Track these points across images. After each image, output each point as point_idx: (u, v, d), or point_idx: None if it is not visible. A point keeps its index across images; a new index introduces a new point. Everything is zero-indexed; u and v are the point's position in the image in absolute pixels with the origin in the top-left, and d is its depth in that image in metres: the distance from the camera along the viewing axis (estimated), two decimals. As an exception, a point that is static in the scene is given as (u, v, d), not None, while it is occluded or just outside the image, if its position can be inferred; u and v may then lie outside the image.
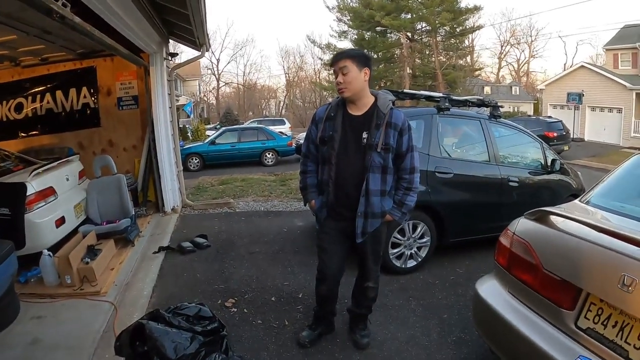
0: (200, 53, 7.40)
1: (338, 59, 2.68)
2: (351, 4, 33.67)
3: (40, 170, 4.62)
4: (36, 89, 7.60)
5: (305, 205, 3.08)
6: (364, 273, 2.98)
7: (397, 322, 3.29)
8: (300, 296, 3.75)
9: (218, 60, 54.36)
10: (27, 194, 4.28)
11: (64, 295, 4.00)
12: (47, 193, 4.61)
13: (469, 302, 2.80)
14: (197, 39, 6.41)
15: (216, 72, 52.09)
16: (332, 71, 2.78)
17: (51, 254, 4.18)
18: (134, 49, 5.81)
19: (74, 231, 4.96)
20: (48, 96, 7.55)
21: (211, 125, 32.98)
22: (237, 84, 52.80)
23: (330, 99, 32.67)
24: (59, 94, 7.52)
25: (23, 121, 7.70)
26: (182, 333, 2.64)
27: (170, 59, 7.12)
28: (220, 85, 53.19)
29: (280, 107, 53.27)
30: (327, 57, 36.26)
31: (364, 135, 2.67)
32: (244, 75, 54.01)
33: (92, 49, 6.81)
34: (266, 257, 3.90)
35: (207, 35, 6.47)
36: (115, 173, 5.62)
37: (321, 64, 43.11)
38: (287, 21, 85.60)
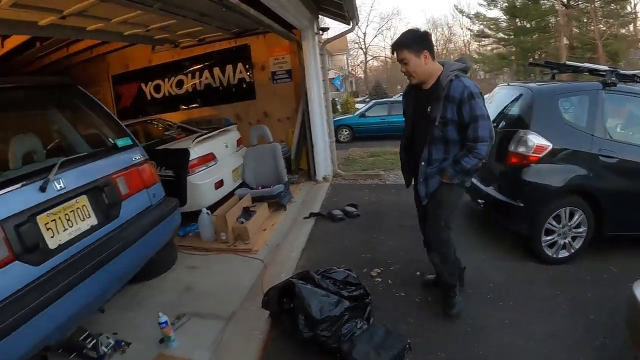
0: (350, 27, 7.44)
1: (394, 51, 2.75)
2: (501, -32, 30.79)
3: (202, 138, 5.12)
4: (195, 67, 8.40)
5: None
6: (431, 237, 3.07)
7: (541, 315, 3.02)
8: (446, 273, 3.65)
9: (364, 34, 53.88)
10: (190, 158, 4.80)
11: (218, 250, 4.46)
12: (208, 158, 5.10)
13: (621, 305, 2.46)
14: (347, 12, 6.44)
15: (363, 46, 52.07)
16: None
17: (209, 213, 4.68)
18: (286, 26, 6.04)
19: (231, 193, 5.45)
20: (206, 73, 8.31)
21: (360, 99, 32.84)
22: (385, 57, 52.04)
23: (481, 73, 29.51)
24: (216, 70, 8.23)
25: (184, 95, 8.63)
26: (329, 295, 2.74)
27: (321, 33, 7.27)
28: (367, 59, 53.24)
29: None
30: (477, 27, 33.97)
31: (429, 109, 2.74)
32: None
33: (246, 28, 7.21)
34: (414, 232, 3.80)
35: (356, 8, 6.48)
36: (271, 142, 5.96)
37: (470, 35, 40.50)
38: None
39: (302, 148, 7.39)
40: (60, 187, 2.54)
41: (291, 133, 7.59)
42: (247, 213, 4.82)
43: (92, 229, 2.72)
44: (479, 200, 4.19)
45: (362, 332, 2.61)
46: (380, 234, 4.69)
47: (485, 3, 32.69)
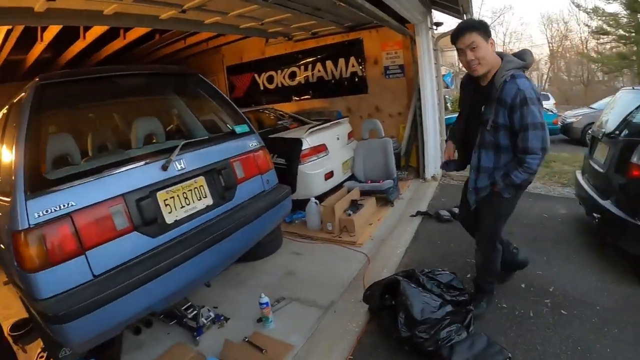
0: None
1: (462, 34, 2.42)
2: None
3: (314, 128, 5.24)
4: (307, 60, 8.58)
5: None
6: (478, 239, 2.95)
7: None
8: (551, 290, 3.35)
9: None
10: (302, 148, 4.93)
11: (322, 239, 4.53)
12: (320, 149, 5.21)
13: None
14: (461, 6, 6.15)
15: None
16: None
17: (317, 202, 4.80)
18: (399, 20, 5.93)
19: (340, 185, 5.50)
20: (319, 65, 8.46)
21: None
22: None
23: (599, 74, 26.57)
24: (328, 63, 8.34)
25: (296, 87, 8.88)
26: (432, 297, 2.69)
27: (434, 28, 7.01)
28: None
29: (543, 81, 48.07)
30: (595, 23, 30.65)
31: (482, 109, 2.52)
32: (503, 44, 49.89)
33: (359, 22, 7.15)
34: (523, 241, 3.58)
35: (471, 2, 6.20)
36: (382, 137, 5.92)
37: (589, 32, 36.55)
38: (549, -16, 74.71)
39: (413, 145, 7.24)
40: (181, 167, 2.75)
41: (402, 129, 7.48)
42: (354, 206, 4.85)
43: (208, 209, 2.91)
44: (594, 215, 3.79)
45: (462, 340, 2.51)
46: (487, 239, 4.45)
47: (603, -4, 29.16)
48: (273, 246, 4.31)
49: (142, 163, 2.55)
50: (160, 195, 2.61)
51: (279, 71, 9.00)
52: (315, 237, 4.60)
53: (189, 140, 2.96)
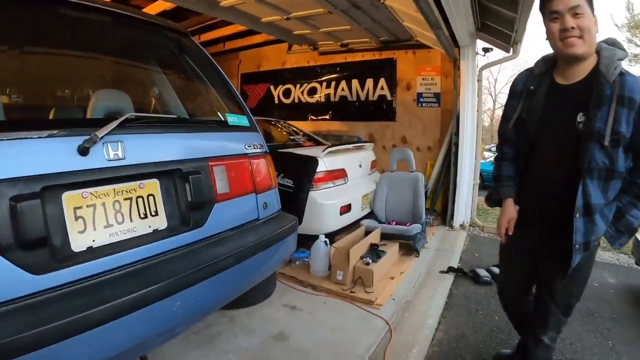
0: (512, 53, 6.12)
1: None
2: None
3: (334, 149, 4.32)
4: (331, 76, 7.81)
5: (491, 204, 2.20)
6: (543, 318, 1.99)
7: None
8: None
9: (495, 80, 51.80)
10: (317, 170, 3.99)
11: (329, 291, 3.52)
12: (338, 175, 4.28)
13: None
14: (515, 32, 5.23)
15: (493, 93, 49.96)
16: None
17: (327, 242, 3.82)
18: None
19: (356, 223, 4.58)
20: (343, 84, 7.66)
21: (487, 146, 31.50)
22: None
23: None
24: (354, 82, 7.55)
25: (314, 105, 8.07)
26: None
27: (482, 54, 6.28)
28: (495, 107, 51.10)
29: None
30: None
31: (579, 117, 1.71)
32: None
33: (396, 36, 6.49)
34: (579, 316, 3.00)
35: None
36: (413, 170, 5.04)
37: None
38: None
39: (442, 186, 6.43)
40: (116, 155, 1.59)
41: (429, 166, 6.67)
42: (374, 252, 3.85)
43: (156, 236, 1.74)
44: None
45: None
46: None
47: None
48: (262, 292, 3.23)
49: (42, 135, 1.40)
50: (69, 199, 1.47)
51: (298, 85, 8.25)
52: (320, 288, 3.55)
53: (143, 115, 1.86)
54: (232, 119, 2.25)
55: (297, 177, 4.01)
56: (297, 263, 4.03)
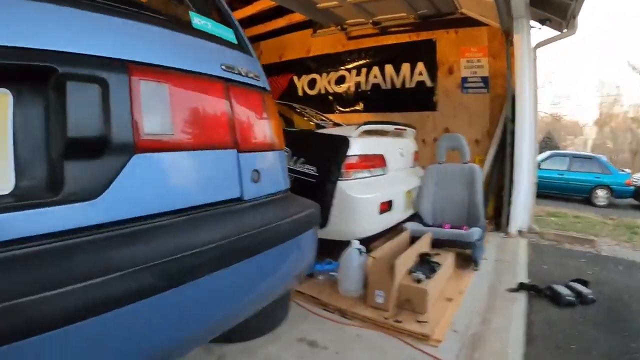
0: (567, 29, 5.42)
1: None
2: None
3: (370, 127, 3.41)
4: (362, 62, 7.13)
5: None
6: None
7: None
8: None
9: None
10: (348, 153, 3.09)
11: (365, 319, 2.54)
12: (376, 162, 3.39)
13: None
14: (575, 1, 4.52)
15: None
16: None
17: (363, 249, 2.85)
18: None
19: (398, 226, 3.62)
20: (375, 70, 6.96)
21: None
22: (544, 112, 48.58)
23: None
24: (388, 68, 6.81)
25: (343, 95, 7.42)
26: None
27: (539, 27, 5.42)
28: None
29: (589, 147, 46.80)
30: None
31: None
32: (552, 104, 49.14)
33: (437, 9, 5.81)
34: None
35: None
36: (467, 161, 4.12)
37: None
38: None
39: (495, 184, 5.68)
40: None
41: (478, 162, 5.73)
42: (427, 264, 2.88)
43: None
44: None
45: None
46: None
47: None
48: (267, 320, 2.30)
49: None
50: None
51: (324, 74, 7.57)
52: (352, 314, 2.58)
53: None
54: (201, 22, 1.31)
55: (321, 163, 3.12)
56: (321, 278, 3.08)
